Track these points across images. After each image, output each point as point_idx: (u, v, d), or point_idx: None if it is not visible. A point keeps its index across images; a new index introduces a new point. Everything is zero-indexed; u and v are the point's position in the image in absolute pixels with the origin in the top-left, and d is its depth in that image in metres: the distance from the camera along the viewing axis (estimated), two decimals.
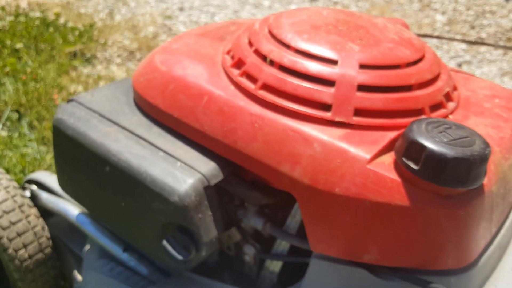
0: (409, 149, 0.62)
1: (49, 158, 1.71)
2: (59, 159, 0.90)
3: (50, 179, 1.16)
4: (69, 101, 0.90)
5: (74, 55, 2.59)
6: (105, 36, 2.85)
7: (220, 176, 0.76)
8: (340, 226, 0.68)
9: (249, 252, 0.84)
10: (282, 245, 0.83)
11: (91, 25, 2.81)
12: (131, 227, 0.83)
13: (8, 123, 1.94)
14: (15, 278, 1.06)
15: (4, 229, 1.03)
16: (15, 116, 1.97)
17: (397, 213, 0.63)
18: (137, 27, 3.04)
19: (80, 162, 0.85)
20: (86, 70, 2.50)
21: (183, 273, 0.88)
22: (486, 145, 0.61)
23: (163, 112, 0.82)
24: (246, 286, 0.84)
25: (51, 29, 2.74)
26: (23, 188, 1.18)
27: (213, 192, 0.75)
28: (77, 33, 2.72)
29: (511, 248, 0.76)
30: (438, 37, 1.14)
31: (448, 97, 0.78)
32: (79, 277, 1.10)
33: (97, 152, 0.80)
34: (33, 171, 1.62)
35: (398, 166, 0.64)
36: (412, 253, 0.66)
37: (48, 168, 1.68)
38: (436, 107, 0.75)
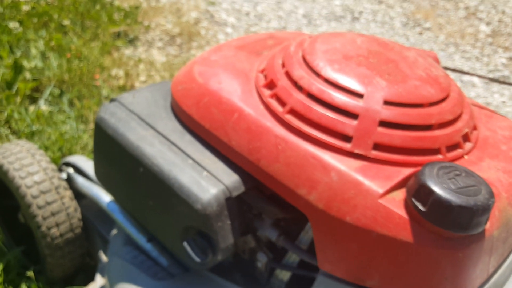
0: (419, 191, 0.66)
1: (86, 137, 1.81)
2: (97, 153, 0.98)
3: (86, 164, 1.25)
4: (111, 100, 0.97)
5: (118, 35, 2.68)
6: (149, 18, 2.93)
7: (241, 189, 0.82)
8: (347, 251, 0.73)
9: (261, 259, 0.90)
10: (293, 257, 0.88)
11: (137, 7, 2.89)
12: (156, 223, 0.90)
13: (50, 98, 2.04)
14: (46, 253, 1.15)
15: (40, 208, 1.12)
16: (57, 92, 2.07)
17: (400, 247, 0.68)
18: (181, 11, 3.10)
19: (116, 159, 0.92)
20: (127, 51, 2.59)
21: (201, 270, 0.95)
22: (491, 195, 0.65)
23: (196, 122, 0.89)
24: None
25: (97, 7, 2.83)
26: (60, 170, 1.27)
27: (233, 203, 0.81)
28: (122, 13, 2.81)
29: (508, 286, 0.80)
30: (466, 73, 1.16)
31: (466, 137, 0.81)
32: (104, 257, 1.19)
33: (133, 153, 0.87)
34: (70, 148, 1.72)
35: (407, 204, 0.69)
36: (411, 284, 0.71)
37: (84, 147, 1.78)
38: (453, 147, 0.79)
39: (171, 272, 0.97)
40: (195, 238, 0.82)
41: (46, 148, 1.67)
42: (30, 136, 1.75)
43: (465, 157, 0.80)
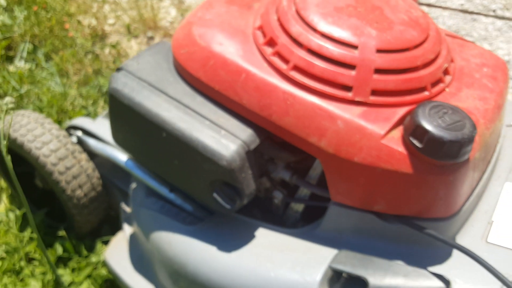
0: (415, 131, 0.79)
1: (73, 92, 1.84)
2: (115, 120, 1.05)
3: (93, 126, 1.32)
4: (118, 69, 1.03)
5: None
6: None
7: (257, 142, 0.93)
8: (356, 185, 0.87)
9: (278, 196, 1.03)
10: (304, 191, 1.02)
11: None
12: (183, 179, 1.01)
13: (25, 56, 2.03)
14: (73, 213, 1.26)
15: (61, 174, 1.21)
16: (30, 47, 2.05)
17: (402, 178, 0.82)
18: None
19: (136, 126, 1.00)
20: None
21: None
22: (474, 127, 0.78)
23: (205, 84, 0.97)
24: (275, 222, 1.04)
25: None
26: (69, 135, 1.34)
27: (252, 155, 0.93)
28: None
29: (485, 195, 0.97)
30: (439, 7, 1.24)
31: (446, 71, 0.93)
32: (127, 208, 1.31)
33: (153, 120, 0.95)
34: (61, 106, 1.76)
35: (405, 142, 0.82)
36: (412, 205, 0.86)
37: (73, 102, 1.82)
38: (436, 83, 0.90)
39: (197, 215, 1.10)
40: (222, 188, 0.94)
41: (40, 110, 1.71)
42: (19, 99, 1.78)
43: (447, 89, 0.92)
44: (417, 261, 0.87)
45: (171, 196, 1.13)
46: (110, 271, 1.22)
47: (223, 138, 0.91)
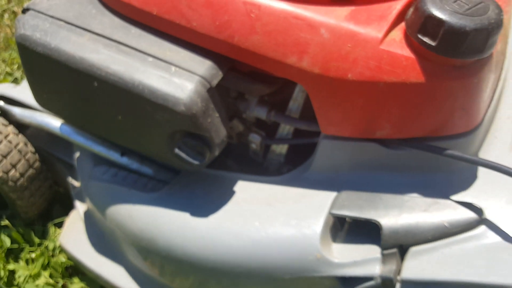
0: (425, 25, 0.59)
1: None
2: (32, 77, 0.82)
3: (15, 91, 1.07)
4: (24, 11, 0.79)
5: None
6: None
7: (219, 75, 0.72)
8: (353, 109, 0.68)
9: (255, 140, 0.84)
10: (286, 129, 0.83)
11: None
12: (133, 138, 0.80)
13: None
14: (13, 198, 1.04)
15: None
16: None
17: (412, 90, 0.64)
18: None
19: (60, 80, 0.78)
20: None
21: None
22: (500, 9, 0.60)
23: (137, 10, 0.74)
24: (255, 171, 0.86)
25: None
26: None
27: (215, 93, 0.72)
28: None
29: (504, 97, 0.80)
30: None
31: None
32: (75, 183, 1.09)
33: (78, 68, 0.72)
34: None
35: (411, 42, 0.63)
36: (425, 123, 0.68)
37: None
38: None
39: (160, 179, 0.90)
40: (185, 141, 0.74)
41: None
42: None
43: None
44: (436, 191, 0.71)
45: (124, 160, 0.92)
46: (69, 256, 1.03)
47: (175, 77, 0.70)
